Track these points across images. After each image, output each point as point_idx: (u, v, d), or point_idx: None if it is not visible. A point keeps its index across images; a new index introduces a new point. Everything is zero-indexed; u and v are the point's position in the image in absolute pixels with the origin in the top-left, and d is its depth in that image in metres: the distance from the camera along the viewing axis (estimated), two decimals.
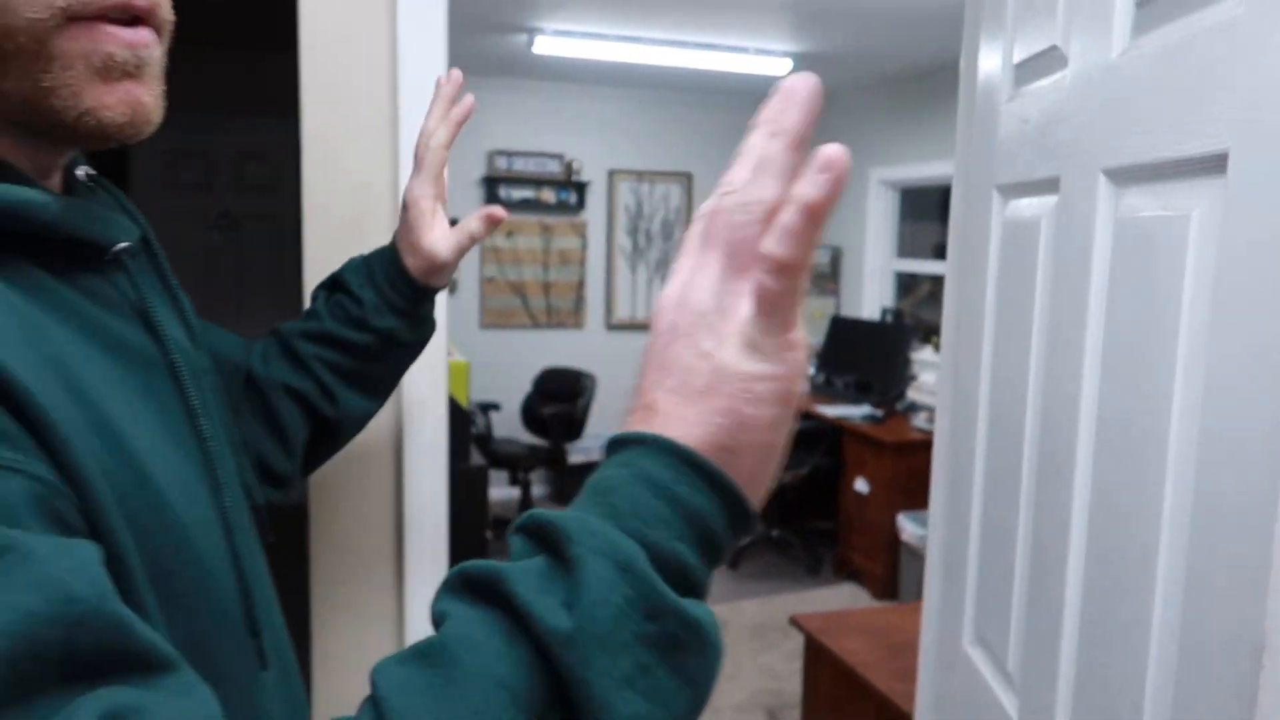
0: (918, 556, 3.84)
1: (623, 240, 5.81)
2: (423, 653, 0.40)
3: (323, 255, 1.10)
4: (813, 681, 2.20)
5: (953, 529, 1.13)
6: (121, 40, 0.52)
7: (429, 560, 1.18)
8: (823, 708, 2.15)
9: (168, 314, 0.65)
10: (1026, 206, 0.93)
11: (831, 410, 4.65)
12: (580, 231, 5.72)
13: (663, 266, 5.89)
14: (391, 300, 0.93)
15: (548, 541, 0.41)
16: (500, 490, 5.26)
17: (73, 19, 0.50)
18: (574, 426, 4.95)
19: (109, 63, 0.52)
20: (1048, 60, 0.89)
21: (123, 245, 0.60)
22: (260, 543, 0.69)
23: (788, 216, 0.42)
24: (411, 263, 0.93)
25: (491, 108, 5.33)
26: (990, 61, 1.06)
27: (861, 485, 4.40)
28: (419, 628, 1.18)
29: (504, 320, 5.54)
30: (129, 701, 0.38)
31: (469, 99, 0.95)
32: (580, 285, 5.75)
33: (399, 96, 1.11)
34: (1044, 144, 0.88)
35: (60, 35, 0.50)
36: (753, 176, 0.45)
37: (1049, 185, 0.86)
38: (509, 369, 5.37)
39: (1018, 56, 0.96)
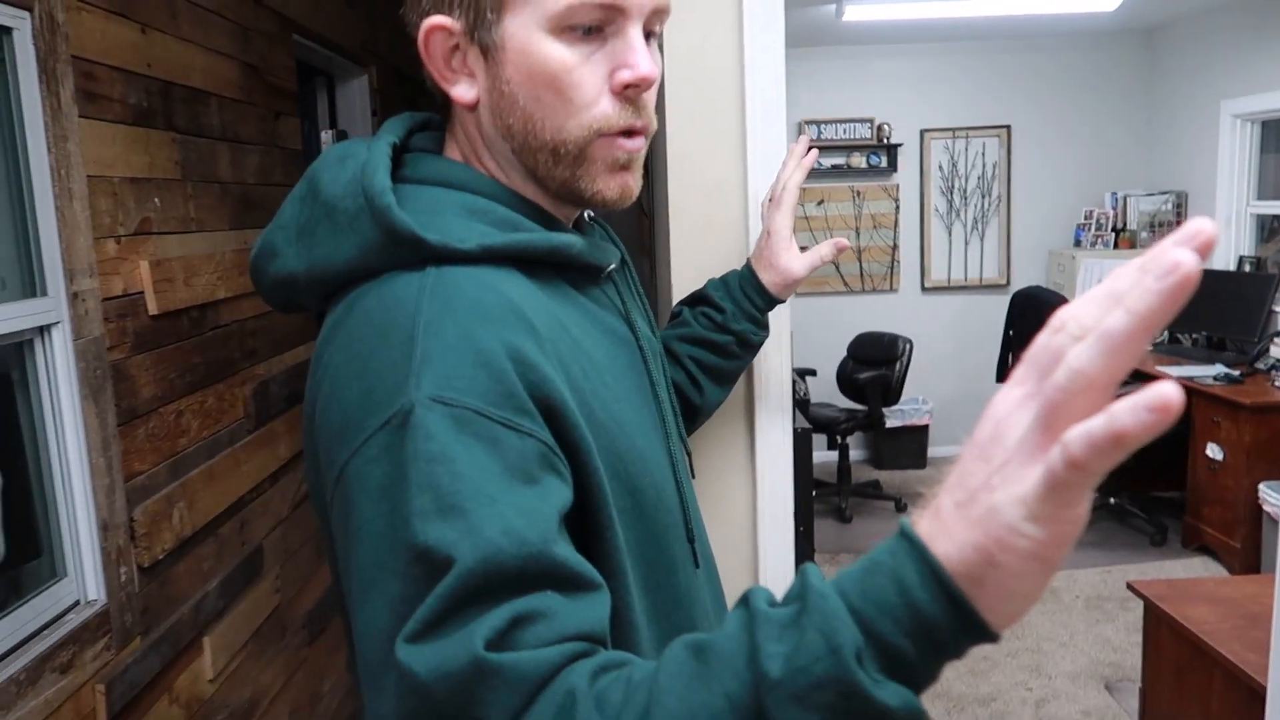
0: None
1: (937, 200, 5.69)
2: (699, 648, 0.53)
3: (685, 246, 1.30)
4: (1154, 649, 2.14)
5: None
6: (626, 149, 0.76)
7: (779, 503, 1.37)
8: (1166, 677, 2.10)
9: (638, 312, 0.91)
10: None
11: (1177, 370, 4.30)
12: (892, 194, 5.67)
13: (980, 225, 5.69)
14: (746, 309, 1.15)
15: (802, 598, 0.51)
16: (819, 454, 5.39)
17: (600, 135, 0.75)
18: (890, 391, 4.97)
19: (615, 163, 0.76)
20: None
21: (612, 266, 0.86)
22: (690, 477, 0.92)
23: (1097, 427, 0.41)
24: (768, 278, 1.15)
25: (799, 78, 5.41)
26: None
27: (1214, 451, 4.04)
28: (769, 554, 1.38)
29: (818, 287, 5.65)
30: (544, 606, 0.58)
31: (814, 152, 1.18)
32: (893, 249, 5.71)
33: (746, 110, 1.28)
34: None
35: (591, 145, 0.75)
36: (1089, 343, 0.43)
37: None
38: (824, 335, 5.47)
39: None
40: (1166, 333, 4.91)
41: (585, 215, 0.89)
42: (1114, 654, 3.37)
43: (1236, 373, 4.13)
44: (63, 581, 1.52)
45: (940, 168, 5.67)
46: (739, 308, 1.15)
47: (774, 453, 1.39)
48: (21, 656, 1.38)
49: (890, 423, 5.32)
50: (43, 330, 1.48)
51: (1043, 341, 0.45)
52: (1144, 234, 5.36)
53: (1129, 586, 2.26)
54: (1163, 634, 2.09)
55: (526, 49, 0.72)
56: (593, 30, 0.73)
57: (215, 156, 2.06)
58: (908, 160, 5.66)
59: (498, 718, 0.54)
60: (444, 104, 0.80)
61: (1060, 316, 0.45)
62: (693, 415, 1.16)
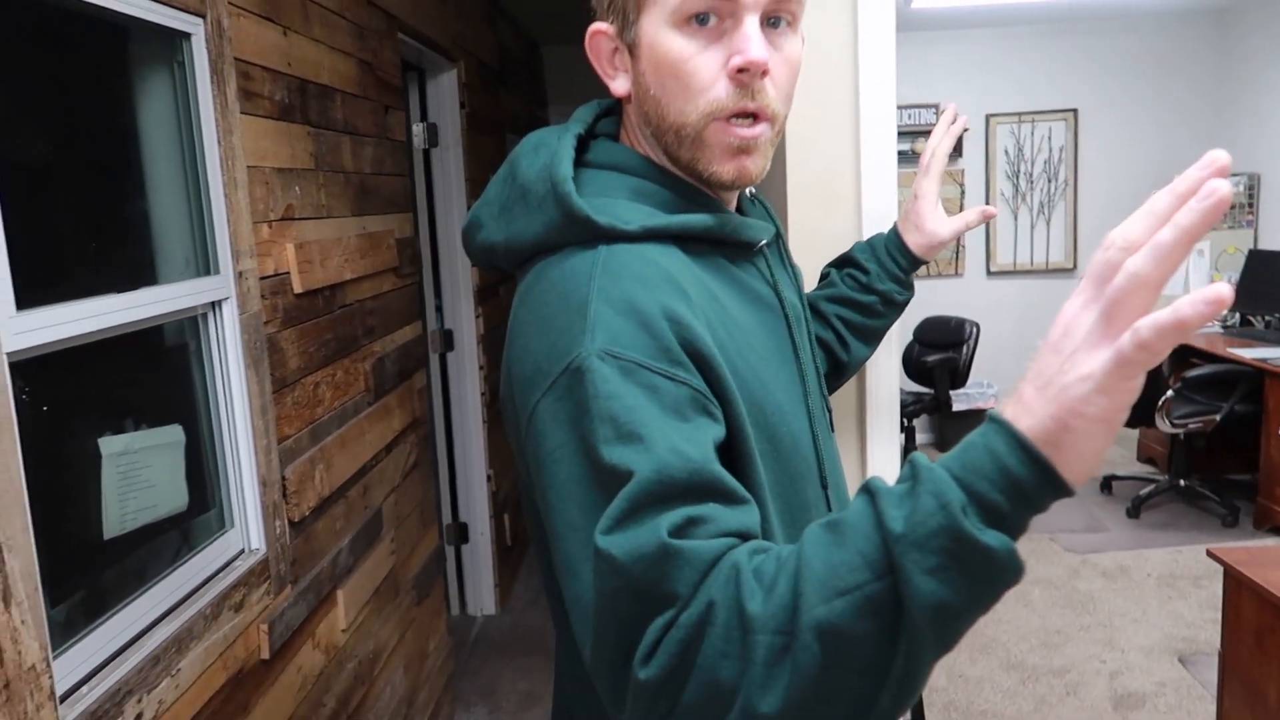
0: None
1: (1002, 185, 5.71)
2: (832, 523, 0.66)
3: (803, 219, 1.43)
4: (1234, 613, 2.21)
5: None
6: (739, 135, 0.85)
7: (885, 423, 1.51)
8: (1246, 640, 2.17)
9: (786, 282, 1.03)
10: None
11: (1249, 353, 4.30)
12: (957, 179, 5.71)
13: (1046, 209, 5.71)
14: (891, 269, 1.25)
15: (913, 476, 0.63)
16: None
17: (714, 118, 0.84)
18: (957, 374, 5.02)
19: (730, 147, 0.85)
20: None
21: (764, 241, 0.97)
22: (829, 430, 1.03)
23: (1164, 315, 0.53)
24: (913, 239, 1.26)
25: None
26: None
27: None
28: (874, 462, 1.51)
29: None
30: (709, 512, 0.70)
31: (964, 118, 1.28)
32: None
33: (859, 100, 1.40)
34: None
35: (706, 129, 0.85)
36: (1142, 253, 0.54)
37: None
38: None
39: None
40: (1238, 315, 4.90)
41: (748, 192, 1.01)
42: (1187, 629, 3.42)
43: None
44: (230, 532, 1.69)
45: (1006, 152, 5.69)
46: (883, 268, 1.26)
47: (883, 448, 1.52)
48: (205, 594, 1.55)
49: (956, 406, 5.37)
50: (215, 305, 1.65)
51: (1098, 258, 0.57)
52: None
53: (1209, 554, 2.33)
54: (1243, 599, 2.16)
55: (654, 42, 0.84)
56: (710, 21, 0.82)
57: (340, 148, 2.22)
58: (973, 145, 5.69)
59: (682, 588, 0.67)
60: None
61: (1110, 237, 0.57)
62: (839, 371, 1.27)
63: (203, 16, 1.59)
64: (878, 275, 1.25)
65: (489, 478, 3.66)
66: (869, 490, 0.65)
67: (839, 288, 1.27)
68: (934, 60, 5.60)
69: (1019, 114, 5.65)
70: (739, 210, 0.99)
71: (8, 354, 1.12)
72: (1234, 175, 5.33)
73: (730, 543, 0.69)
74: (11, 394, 1.11)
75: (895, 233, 1.27)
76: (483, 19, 3.91)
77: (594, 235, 0.83)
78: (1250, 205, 5.29)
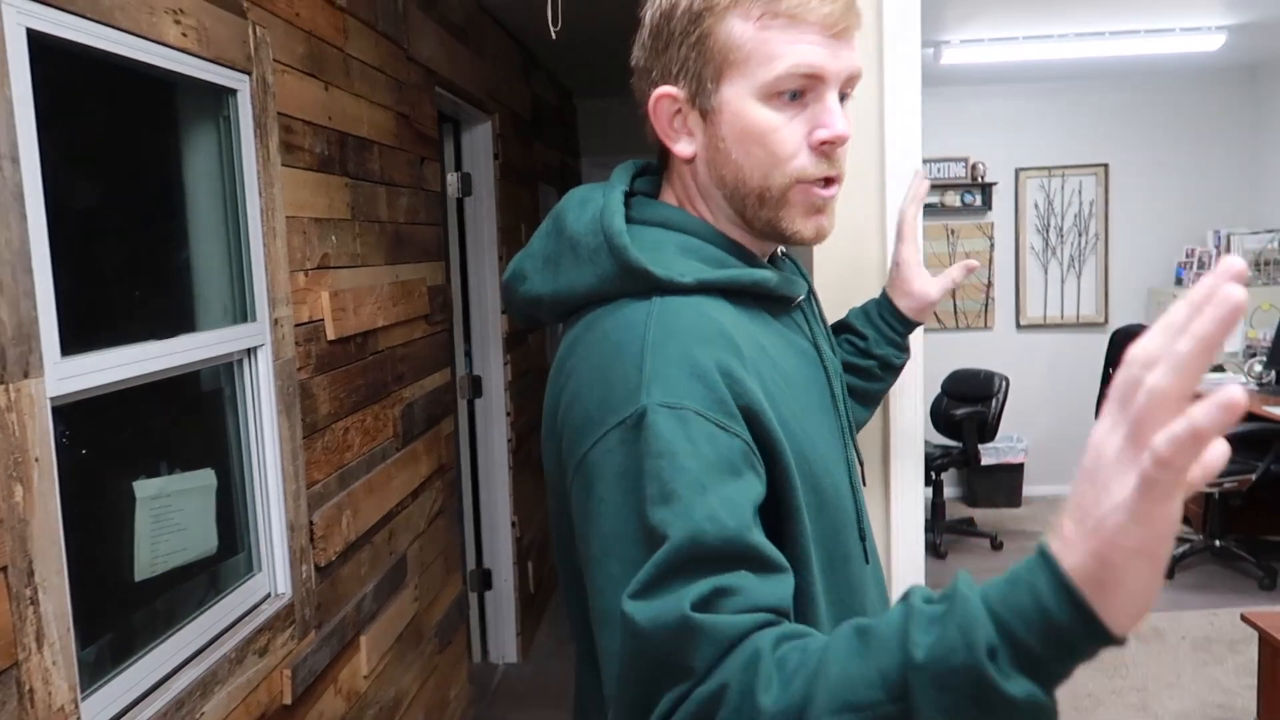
0: None
1: (1032, 238, 5.70)
2: (863, 630, 0.64)
3: (830, 276, 1.44)
4: (1270, 681, 2.16)
5: None
6: (821, 196, 0.90)
7: (911, 476, 1.50)
8: None
9: (821, 336, 1.05)
10: None
11: None
12: (986, 232, 5.71)
13: (1076, 263, 5.69)
14: (887, 334, 1.27)
15: (950, 600, 0.61)
16: None
17: (799, 183, 0.89)
18: (986, 428, 4.98)
19: (811, 206, 0.91)
20: None
21: (801, 297, 1.00)
22: (862, 482, 1.04)
23: (1178, 427, 0.49)
24: (904, 304, 1.27)
25: None
26: None
27: None
28: (900, 527, 1.50)
29: None
30: (737, 583, 0.70)
31: (927, 183, 1.30)
32: (988, 286, 5.74)
33: (885, 170, 1.42)
34: None
35: (791, 191, 0.90)
36: (1160, 368, 0.52)
37: None
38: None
39: None
40: (1274, 372, 4.83)
41: (778, 251, 1.03)
42: (1223, 695, 3.33)
43: None
44: (257, 576, 1.71)
45: (1036, 206, 5.69)
46: (880, 333, 1.27)
47: (907, 499, 1.51)
48: (231, 638, 1.56)
49: (985, 460, 5.32)
50: (250, 351, 1.68)
51: (1121, 377, 0.54)
52: (1249, 272, 5.28)
53: (1243, 619, 2.28)
54: (1279, 666, 2.12)
55: (740, 112, 0.88)
56: (796, 95, 0.87)
57: (376, 198, 2.28)
58: (1002, 198, 5.70)
59: (699, 664, 0.67)
60: (662, 155, 0.96)
61: (1130, 353, 0.54)
62: None
63: (249, 74, 1.65)
64: (875, 340, 1.27)
65: (513, 524, 3.66)
66: (907, 603, 0.64)
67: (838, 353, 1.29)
68: (964, 114, 5.64)
69: (1049, 168, 5.65)
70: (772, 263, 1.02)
71: (51, 398, 1.15)
72: (1268, 231, 5.30)
73: (758, 620, 0.69)
74: (53, 437, 1.14)
75: (886, 298, 1.29)
76: (518, 72, 4.00)
77: (650, 287, 0.86)
78: None
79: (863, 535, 0.96)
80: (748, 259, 0.94)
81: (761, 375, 0.84)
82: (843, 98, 0.90)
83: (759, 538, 0.74)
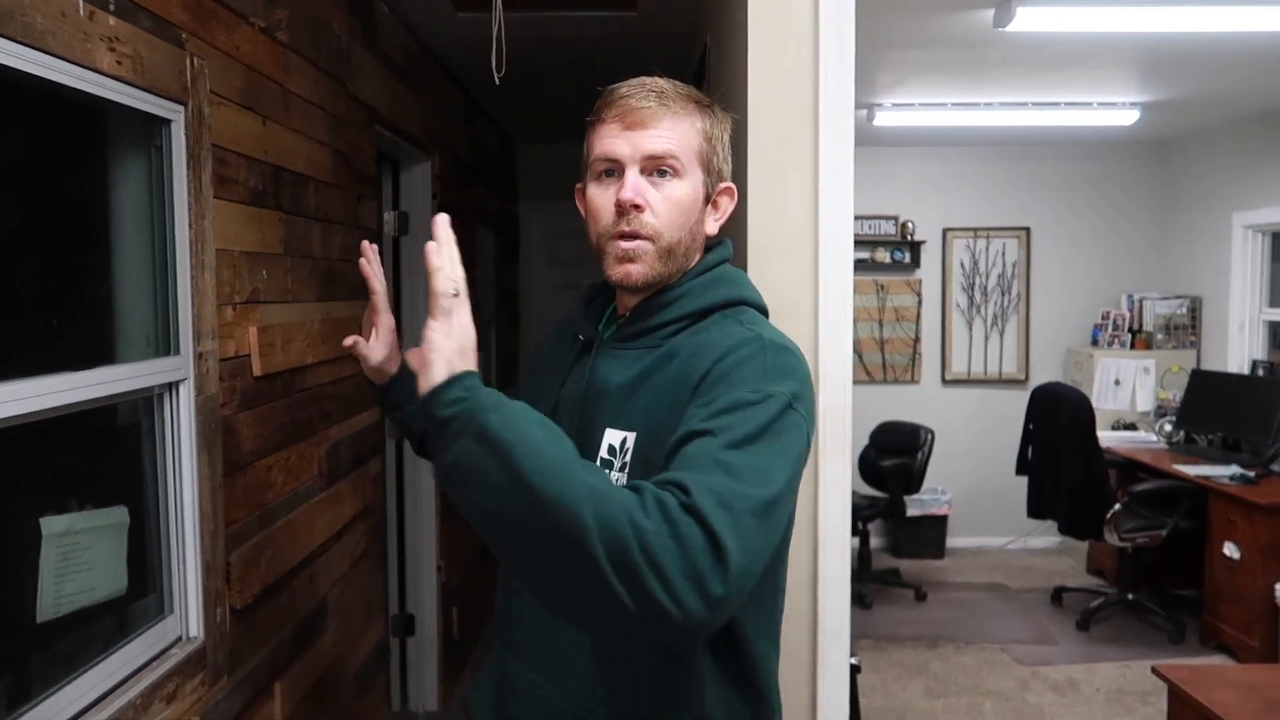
0: None
1: (958, 296, 5.88)
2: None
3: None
4: None
5: None
6: (620, 249, 1.16)
7: (839, 525, 1.52)
8: None
9: (600, 371, 1.25)
10: None
11: (1193, 469, 4.41)
12: (915, 289, 5.87)
13: (1000, 321, 5.88)
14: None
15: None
16: None
17: (609, 237, 1.16)
18: (912, 479, 5.07)
19: (615, 256, 1.17)
20: None
21: (584, 339, 1.28)
22: None
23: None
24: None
25: None
26: None
27: (1231, 550, 4.13)
28: (827, 577, 1.50)
29: None
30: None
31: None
32: (915, 341, 5.89)
33: (819, 225, 1.46)
34: None
35: (606, 243, 1.18)
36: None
37: None
38: None
39: None
40: (1182, 432, 5.03)
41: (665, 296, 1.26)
42: None
43: (1252, 474, 4.23)
44: (168, 618, 1.65)
45: (962, 265, 5.87)
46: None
47: (834, 549, 1.53)
48: (136, 684, 1.50)
49: (911, 511, 5.41)
50: (171, 386, 1.64)
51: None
52: (1159, 335, 5.51)
53: (1154, 671, 2.35)
54: (1186, 718, 2.18)
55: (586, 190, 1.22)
56: (609, 174, 1.18)
57: (310, 234, 2.25)
58: (930, 257, 5.88)
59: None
60: None
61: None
62: None
63: (184, 104, 1.63)
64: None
65: (439, 568, 3.60)
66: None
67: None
68: (895, 175, 5.82)
69: (975, 229, 5.86)
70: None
71: None
72: (1177, 297, 5.55)
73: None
74: None
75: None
76: (460, 116, 4.01)
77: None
78: (1193, 327, 5.48)
79: None
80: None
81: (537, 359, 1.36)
82: (663, 172, 1.14)
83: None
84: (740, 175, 1.56)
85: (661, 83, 1.18)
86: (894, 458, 5.11)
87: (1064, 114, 4.67)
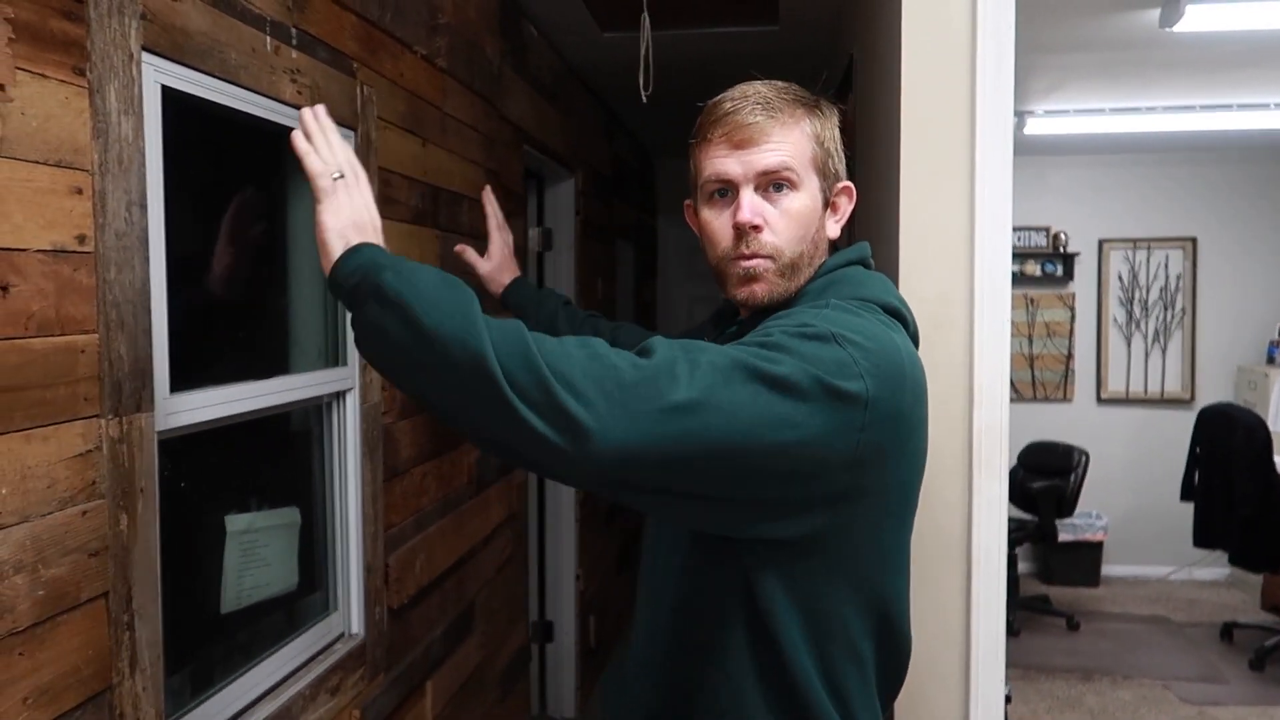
0: None
1: (1115, 311, 5.58)
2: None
3: (921, 331, 1.45)
4: None
5: None
6: (741, 268, 1.14)
7: (993, 547, 1.47)
8: None
9: None
10: None
11: None
12: (1068, 302, 5.61)
13: (1161, 337, 5.54)
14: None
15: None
16: None
17: (729, 260, 1.14)
18: (1064, 502, 4.84)
19: (737, 277, 1.14)
20: None
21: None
22: None
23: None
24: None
25: None
26: None
27: None
28: (980, 601, 1.45)
29: None
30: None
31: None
32: (1068, 358, 5.62)
33: (975, 229, 1.43)
34: None
35: (726, 265, 1.15)
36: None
37: None
38: None
39: None
40: None
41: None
42: None
43: None
44: (333, 615, 1.74)
45: (1120, 278, 5.58)
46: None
47: (988, 571, 1.49)
48: (306, 675, 1.59)
49: (1063, 536, 5.16)
50: (339, 395, 1.74)
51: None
52: None
53: None
54: None
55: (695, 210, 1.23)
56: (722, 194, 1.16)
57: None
58: (1084, 269, 5.61)
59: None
60: None
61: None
62: None
63: (355, 130, 1.73)
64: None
65: (578, 577, 3.66)
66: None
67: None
68: (1046, 183, 5.58)
69: (1134, 240, 5.55)
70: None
71: (158, 432, 1.20)
72: None
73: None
74: (157, 470, 1.19)
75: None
76: (601, 132, 4.09)
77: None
78: None
79: None
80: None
81: None
82: (779, 186, 1.11)
83: None
84: (892, 186, 1.54)
85: (765, 90, 1.13)
86: (1044, 479, 4.88)
87: (1236, 116, 4.37)
